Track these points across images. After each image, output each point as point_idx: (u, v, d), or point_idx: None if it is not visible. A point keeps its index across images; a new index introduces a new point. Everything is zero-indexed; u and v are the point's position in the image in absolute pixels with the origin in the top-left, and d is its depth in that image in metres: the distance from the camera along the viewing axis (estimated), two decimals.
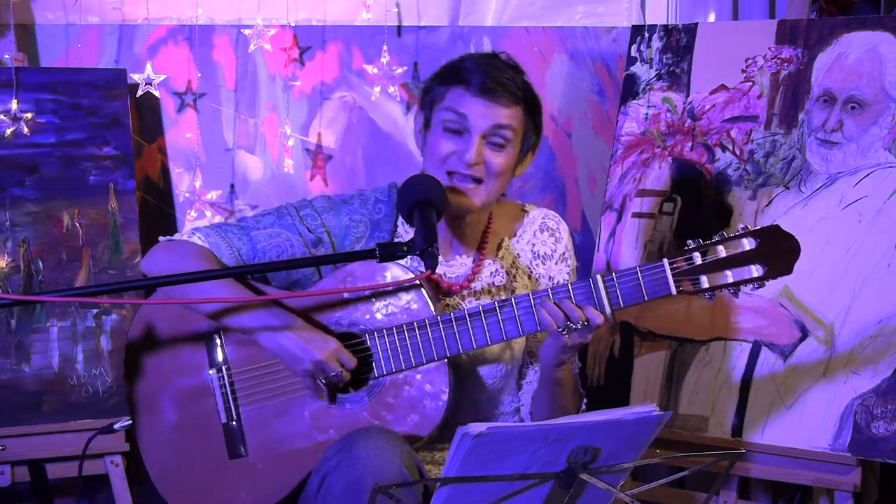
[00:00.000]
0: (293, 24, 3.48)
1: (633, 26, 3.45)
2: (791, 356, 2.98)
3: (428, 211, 2.38)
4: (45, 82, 3.24)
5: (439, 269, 2.57)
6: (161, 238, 2.62)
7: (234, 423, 2.51)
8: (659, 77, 3.33)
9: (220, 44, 3.46)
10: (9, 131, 3.20)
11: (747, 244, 2.34)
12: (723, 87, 3.24)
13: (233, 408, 2.51)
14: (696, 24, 3.32)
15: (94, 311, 3.15)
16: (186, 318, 2.55)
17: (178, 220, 3.46)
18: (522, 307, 2.41)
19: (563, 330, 2.36)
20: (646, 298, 2.36)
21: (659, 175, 3.27)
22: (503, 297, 2.48)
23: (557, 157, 3.62)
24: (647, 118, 3.33)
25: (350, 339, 2.49)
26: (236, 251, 2.55)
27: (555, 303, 2.37)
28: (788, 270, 2.35)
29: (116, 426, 2.61)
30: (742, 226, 2.37)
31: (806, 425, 2.90)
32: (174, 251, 2.54)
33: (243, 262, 2.55)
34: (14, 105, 3.20)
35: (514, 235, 2.66)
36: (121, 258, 3.24)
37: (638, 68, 3.38)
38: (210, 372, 2.53)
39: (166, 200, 3.45)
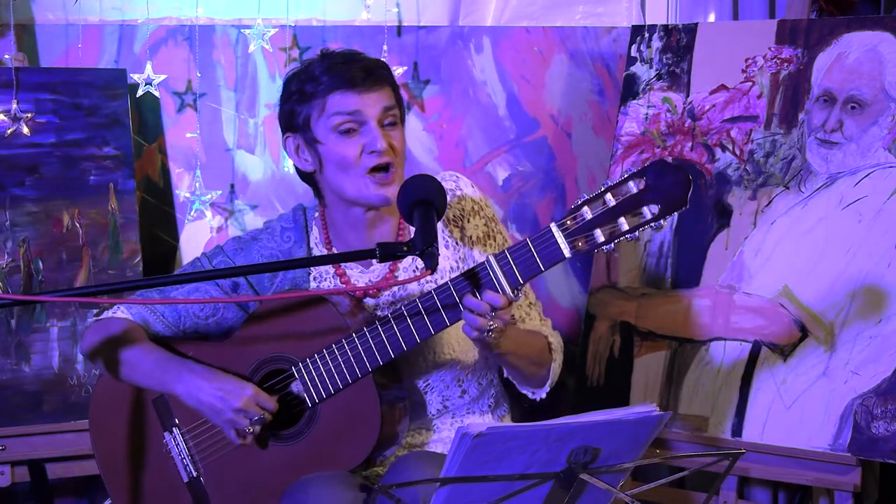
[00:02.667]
0: (293, 24, 3.48)
1: (633, 26, 3.45)
2: (791, 356, 2.98)
3: (428, 211, 2.37)
4: (45, 82, 3.24)
5: (361, 279, 2.57)
6: (90, 318, 2.70)
7: (196, 479, 2.54)
8: (659, 77, 3.33)
9: (220, 44, 3.46)
10: (9, 131, 3.20)
11: (634, 186, 2.18)
12: (723, 87, 3.24)
13: (190, 464, 2.53)
14: (696, 25, 3.32)
15: (94, 311, 3.15)
16: (133, 389, 2.59)
17: (178, 220, 3.46)
18: (426, 303, 2.37)
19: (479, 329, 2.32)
20: (543, 269, 2.26)
21: None
22: (410, 299, 2.43)
23: (557, 157, 3.62)
24: (647, 118, 3.33)
25: (279, 375, 2.50)
26: (160, 315, 2.60)
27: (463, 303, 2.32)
28: (683, 203, 2.18)
29: None
30: (629, 169, 2.27)
31: (806, 425, 2.90)
32: (102, 330, 2.59)
33: (169, 324, 2.60)
34: (14, 105, 3.20)
35: None
36: (121, 258, 3.24)
37: (638, 68, 3.37)
38: (165, 433, 2.56)
39: (166, 200, 3.45)
